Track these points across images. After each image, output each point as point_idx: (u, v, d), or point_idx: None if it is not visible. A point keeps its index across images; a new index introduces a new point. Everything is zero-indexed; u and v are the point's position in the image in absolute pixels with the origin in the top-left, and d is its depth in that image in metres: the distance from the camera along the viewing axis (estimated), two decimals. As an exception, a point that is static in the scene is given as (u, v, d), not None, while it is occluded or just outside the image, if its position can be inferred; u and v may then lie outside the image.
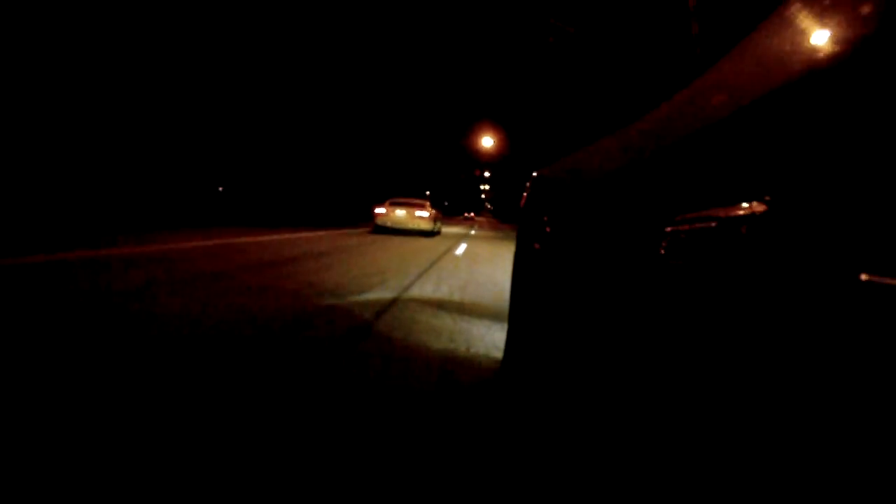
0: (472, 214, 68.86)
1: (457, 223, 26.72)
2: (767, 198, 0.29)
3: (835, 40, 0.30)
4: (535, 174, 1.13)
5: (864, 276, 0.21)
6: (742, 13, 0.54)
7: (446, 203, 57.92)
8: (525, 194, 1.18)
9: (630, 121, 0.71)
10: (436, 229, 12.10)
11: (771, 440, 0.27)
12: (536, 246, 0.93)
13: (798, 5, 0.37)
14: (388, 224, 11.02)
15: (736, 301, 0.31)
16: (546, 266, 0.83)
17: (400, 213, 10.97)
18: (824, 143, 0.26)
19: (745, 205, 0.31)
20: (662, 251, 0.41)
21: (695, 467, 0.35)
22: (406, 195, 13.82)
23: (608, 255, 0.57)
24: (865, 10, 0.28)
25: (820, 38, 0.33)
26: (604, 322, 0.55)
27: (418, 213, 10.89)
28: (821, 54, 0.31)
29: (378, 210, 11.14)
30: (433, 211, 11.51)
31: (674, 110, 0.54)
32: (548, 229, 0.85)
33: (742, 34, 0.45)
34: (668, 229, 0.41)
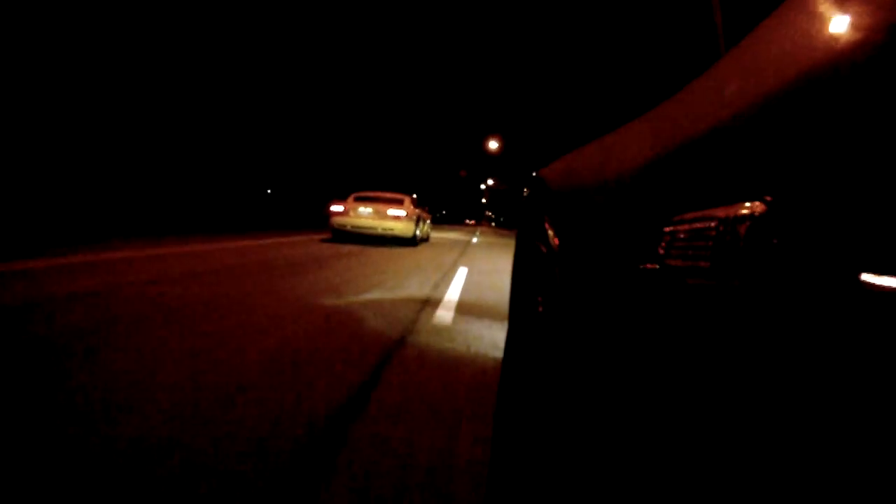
0: (473, 222, 64.99)
1: (455, 229, 23.38)
2: (768, 198, 0.29)
3: (842, 36, 0.28)
4: (534, 174, 1.15)
5: (864, 277, 0.22)
6: (742, 11, 0.49)
7: (444, 211, 54.37)
8: (525, 193, 1.20)
9: (629, 118, 0.70)
10: (420, 235, 8.78)
11: (766, 444, 0.27)
12: (540, 246, 0.93)
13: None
14: (349, 227, 7.70)
15: (735, 302, 0.31)
16: (546, 266, 0.84)
17: (365, 211, 7.66)
18: (827, 142, 0.26)
19: (745, 205, 0.31)
20: (661, 251, 0.43)
21: (691, 470, 0.34)
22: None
23: (607, 255, 0.58)
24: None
25: (824, 34, 0.29)
26: (603, 322, 0.56)
27: (392, 211, 7.59)
28: (825, 53, 0.28)
29: (335, 208, 7.83)
30: (416, 210, 8.21)
31: (672, 109, 0.53)
32: (549, 230, 0.85)
33: (742, 33, 0.43)
34: (667, 229, 0.42)
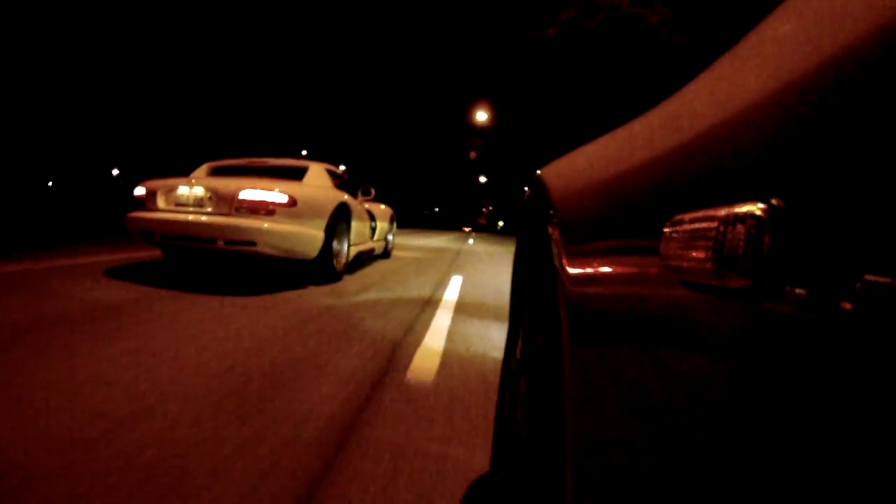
0: (469, 229, 59.72)
1: (442, 235, 19.03)
2: (773, 200, 0.29)
3: (846, 30, 0.28)
4: (535, 174, 1.15)
5: (869, 277, 0.22)
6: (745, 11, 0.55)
7: (434, 210, 49.52)
8: (526, 194, 1.21)
9: (629, 117, 0.72)
10: (354, 250, 4.35)
11: (768, 447, 0.27)
12: (540, 247, 0.92)
13: None
14: (158, 236, 3.27)
15: (736, 304, 0.31)
16: (547, 266, 0.86)
17: (189, 194, 3.24)
18: (834, 141, 0.26)
19: (747, 205, 0.31)
20: (661, 251, 0.43)
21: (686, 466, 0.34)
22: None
23: (607, 255, 0.59)
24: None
25: (830, 29, 0.30)
26: (603, 320, 0.57)
27: (250, 193, 3.14)
28: (830, 46, 0.29)
29: (140, 191, 3.45)
30: (336, 195, 3.80)
31: (673, 108, 0.55)
32: (550, 230, 0.87)
33: (743, 31, 0.44)
34: (666, 230, 0.42)
